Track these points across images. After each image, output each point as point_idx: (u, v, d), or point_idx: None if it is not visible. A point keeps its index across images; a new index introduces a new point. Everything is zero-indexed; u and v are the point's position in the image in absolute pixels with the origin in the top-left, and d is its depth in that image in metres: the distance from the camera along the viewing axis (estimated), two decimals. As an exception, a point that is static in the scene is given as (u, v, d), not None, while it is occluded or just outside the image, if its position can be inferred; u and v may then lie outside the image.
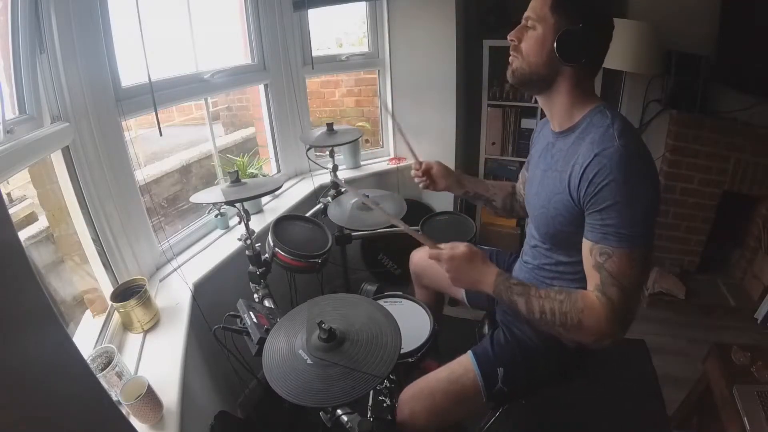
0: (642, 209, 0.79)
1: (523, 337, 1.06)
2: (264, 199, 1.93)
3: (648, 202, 0.80)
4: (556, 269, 1.02)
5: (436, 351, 1.15)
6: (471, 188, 1.31)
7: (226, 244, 1.64)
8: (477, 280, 0.94)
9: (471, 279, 0.95)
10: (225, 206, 1.67)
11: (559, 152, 0.93)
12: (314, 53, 2.07)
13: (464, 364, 1.06)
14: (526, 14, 0.89)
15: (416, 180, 1.30)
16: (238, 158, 2.01)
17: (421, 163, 1.29)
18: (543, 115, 1.04)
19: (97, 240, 1.24)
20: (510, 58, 0.92)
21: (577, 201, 0.85)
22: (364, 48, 2.35)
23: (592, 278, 0.84)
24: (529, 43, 0.88)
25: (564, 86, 0.89)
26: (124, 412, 0.90)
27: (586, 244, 0.85)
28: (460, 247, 0.94)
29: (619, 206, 0.79)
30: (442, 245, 0.96)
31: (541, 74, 0.89)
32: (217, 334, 1.16)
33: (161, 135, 1.33)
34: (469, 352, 1.08)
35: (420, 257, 1.47)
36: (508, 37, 0.92)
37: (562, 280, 1.01)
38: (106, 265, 1.27)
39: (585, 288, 0.93)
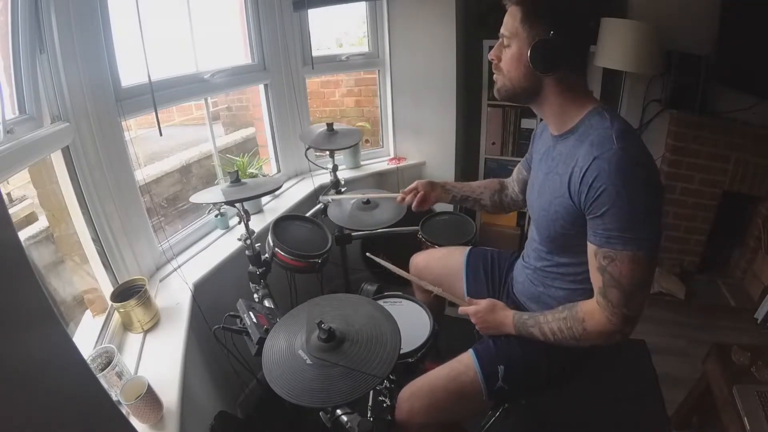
0: (643, 212, 0.79)
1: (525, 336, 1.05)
2: (264, 199, 1.93)
3: (649, 205, 0.80)
4: (557, 271, 1.02)
5: (436, 351, 1.15)
6: (457, 192, 1.34)
7: (226, 244, 1.64)
8: (500, 324, 1.04)
9: (495, 324, 1.05)
10: (225, 206, 1.67)
11: (560, 155, 0.93)
12: (314, 53, 2.07)
13: (465, 362, 1.06)
14: (501, 32, 0.90)
15: (407, 203, 1.31)
16: (238, 158, 2.01)
17: (404, 192, 1.33)
18: None
19: (97, 240, 1.24)
20: (494, 76, 0.95)
21: (578, 204, 0.86)
22: (364, 48, 2.35)
23: (596, 281, 0.87)
24: (507, 60, 0.90)
25: (552, 93, 0.90)
26: (124, 412, 0.90)
27: (590, 248, 0.86)
28: (482, 302, 1.07)
29: (620, 210, 0.79)
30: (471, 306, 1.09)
31: (525, 87, 0.90)
32: (217, 334, 1.17)
33: (161, 135, 1.33)
34: (471, 350, 1.08)
35: (420, 261, 1.45)
36: (489, 57, 0.94)
37: (563, 281, 1.02)
38: (106, 265, 1.27)
39: (586, 289, 0.95)
